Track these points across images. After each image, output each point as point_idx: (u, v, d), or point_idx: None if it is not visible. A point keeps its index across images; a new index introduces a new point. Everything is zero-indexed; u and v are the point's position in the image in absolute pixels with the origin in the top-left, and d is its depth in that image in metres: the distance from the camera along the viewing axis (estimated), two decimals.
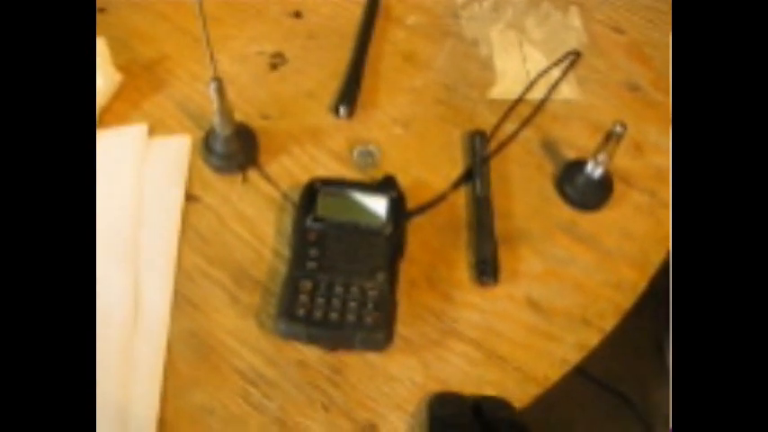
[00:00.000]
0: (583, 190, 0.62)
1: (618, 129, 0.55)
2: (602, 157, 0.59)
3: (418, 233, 0.59)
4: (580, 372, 1.35)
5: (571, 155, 0.65)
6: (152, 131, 0.64)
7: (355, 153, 0.63)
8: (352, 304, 0.51)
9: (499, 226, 0.59)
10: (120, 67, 0.66)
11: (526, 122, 0.67)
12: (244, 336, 0.54)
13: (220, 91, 0.54)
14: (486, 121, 0.67)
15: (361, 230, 0.55)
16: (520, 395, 0.53)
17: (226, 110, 0.57)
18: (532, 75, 0.71)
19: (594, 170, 0.60)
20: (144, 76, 0.68)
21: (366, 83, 0.68)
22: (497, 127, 0.66)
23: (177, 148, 0.63)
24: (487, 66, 0.72)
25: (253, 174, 0.62)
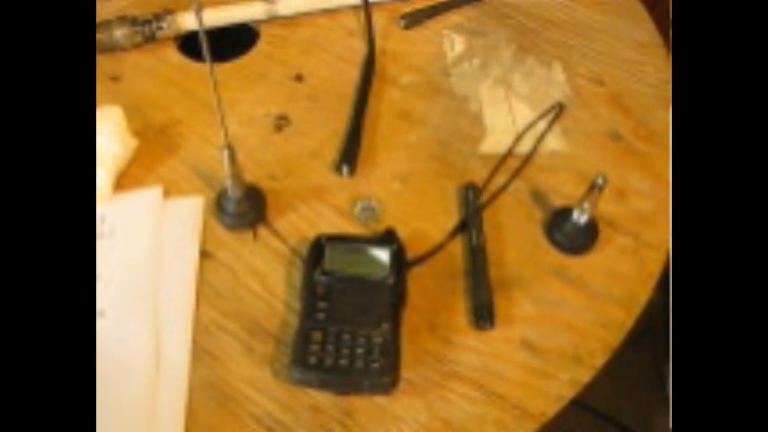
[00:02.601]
0: (570, 236, 0.66)
1: (599, 181, 0.60)
2: (586, 205, 0.63)
3: (418, 281, 0.63)
4: (583, 406, 1.38)
5: (559, 203, 0.69)
6: (167, 193, 0.68)
7: (357, 208, 0.68)
8: (360, 352, 0.55)
9: (493, 272, 0.64)
10: (135, 132, 0.71)
11: (516, 175, 0.71)
12: (259, 384, 0.58)
13: (232, 158, 0.59)
14: (478, 174, 0.71)
15: (366, 282, 0.59)
16: (519, 431, 0.57)
17: (237, 174, 0.62)
18: (520, 127, 0.76)
19: (580, 217, 0.65)
20: (157, 141, 0.73)
21: (365, 141, 0.73)
22: (489, 180, 0.71)
23: (191, 209, 0.67)
24: (477, 121, 0.76)
25: (263, 231, 0.66)
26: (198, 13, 0.48)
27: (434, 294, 0.63)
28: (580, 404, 1.36)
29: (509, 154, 0.73)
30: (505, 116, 0.77)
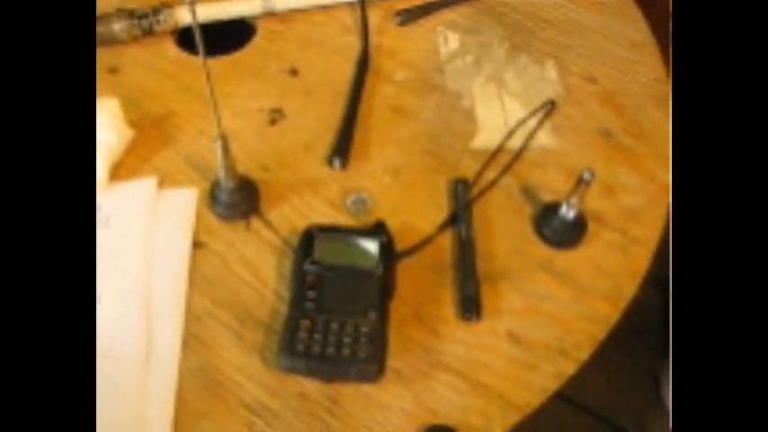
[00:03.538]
0: (558, 230, 0.67)
1: (586, 176, 0.61)
2: (574, 200, 0.64)
3: (407, 273, 0.64)
4: (577, 405, 1.39)
5: (548, 198, 0.70)
6: (161, 184, 0.69)
7: (349, 201, 0.69)
8: (347, 340, 0.56)
9: (481, 266, 0.65)
10: (132, 123, 0.72)
11: (506, 170, 0.72)
12: (248, 371, 0.59)
13: (225, 148, 0.60)
14: (469, 168, 0.72)
15: (354, 272, 0.60)
16: (503, 421, 0.57)
17: (230, 165, 0.62)
18: (511, 124, 0.77)
19: (568, 212, 0.66)
20: (153, 132, 0.74)
21: (358, 135, 0.74)
22: (479, 174, 0.72)
23: (185, 199, 0.68)
24: (470, 117, 0.77)
25: (255, 221, 0.67)
26: (191, 7, 0.48)
27: (423, 286, 0.64)
28: (574, 403, 1.37)
29: (500, 149, 0.74)
30: (497, 112, 0.78)
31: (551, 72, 0.82)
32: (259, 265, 0.65)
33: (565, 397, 1.34)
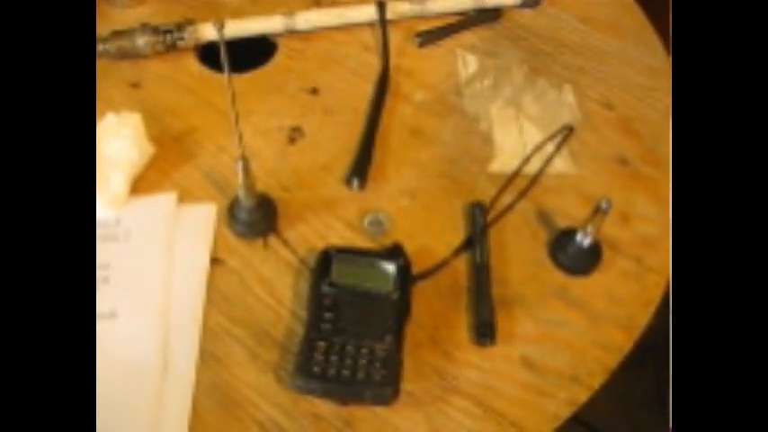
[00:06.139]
0: (574, 257, 0.67)
1: (604, 205, 0.61)
2: (590, 228, 0.65)
3: (423, 297, 0.64)
4: (585, 425, 1.38)
5: (564, 224, 0.70)
6: (180, 199, 0.70)
7: (366, 222, 0.70)
8: (363, 363, 0.57)
9: (497, 291, 0.65)
10: (152, 138, 0.73)
11: (522, 195, 0.73)
12: (263, 390, 0.59)
13: (246, 169, 0.61)
14: (486, 192, 0.73)
15: (371, 296, 0.61)
16: None
17: (250, 184, 0.63)
18: (529, 148, 0.77)
19: (584, 240, 0.66)
20: (174, 148, 0.74)
21: (376, 156, 0.75)
22: (496, 199, 0.72)
23: (204, 216, 0.69)
24: (487, 140, 0.78)
25: (273, 240, 0.68)
26: (219, 30, 0.49)
27: (438, 310, 0.64)
28: (580, 422, 1.37)
29: (517, 174, 0.74)
30: (515, 136, 0.78)
31: (569, 97, 0.83)
32: (276, 283, 0.65)
33: (571, 417, 1.34)
